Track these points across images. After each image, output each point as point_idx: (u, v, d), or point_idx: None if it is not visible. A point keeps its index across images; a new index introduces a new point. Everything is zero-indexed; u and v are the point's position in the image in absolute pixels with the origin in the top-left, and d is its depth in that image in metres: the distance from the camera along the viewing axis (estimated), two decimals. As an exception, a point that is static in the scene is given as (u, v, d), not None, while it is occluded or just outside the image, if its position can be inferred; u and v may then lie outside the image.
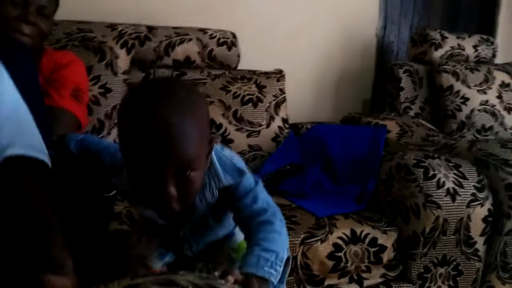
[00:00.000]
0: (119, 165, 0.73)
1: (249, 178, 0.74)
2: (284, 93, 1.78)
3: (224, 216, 0.80)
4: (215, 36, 1.71)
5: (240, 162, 0.75)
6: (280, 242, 0.71)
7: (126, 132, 0.62)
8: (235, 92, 1.66)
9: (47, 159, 0.73)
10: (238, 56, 1.78)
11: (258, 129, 1.66)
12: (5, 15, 1.09)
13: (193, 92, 0.68)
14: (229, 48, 1.73)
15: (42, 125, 0.86)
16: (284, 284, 0.79)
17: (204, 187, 0.72)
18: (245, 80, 1.72)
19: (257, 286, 0.64)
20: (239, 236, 0.86)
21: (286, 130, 1.74)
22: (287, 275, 0.79)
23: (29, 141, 0.72)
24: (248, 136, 1.63)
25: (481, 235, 1.26)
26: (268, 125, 1.69)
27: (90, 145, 0.87)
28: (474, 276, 1.29)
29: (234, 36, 1.76)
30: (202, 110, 0.67)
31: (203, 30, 1.70)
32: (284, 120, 1.74)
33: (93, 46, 1.43)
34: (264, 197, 0.75)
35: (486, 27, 2.63)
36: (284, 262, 0.70)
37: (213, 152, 0.72)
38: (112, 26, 1.52)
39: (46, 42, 1.26)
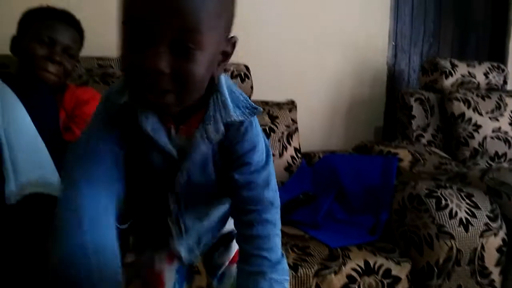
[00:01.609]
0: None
1: (259, 138, 0.67)
2: (296, 123, 1.82)
3: (223, 185, 0.71)
4: (229, 69, 1.76)
5: (254, 103, 0.66)
6: (280, 245, 0.69)
7: None
8: (249, 123, 1.70)
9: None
10: (252, 87, 1.82)
11: (271, 158, 1.69)
12: (32, 53, 1.16)
13: None
14: (243, 80, 1.78)
15: (59, 160, 0.90)
16: None
17: (207, 120, 0.63)
18: (258, 111, 1.76)
19: None
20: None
21: (299, 160, 1.76)
22: None
23: (44, 178, 0.75)
24: (262, 165, 1.66)
25: (496, 265, 1.25)
26: (281, 155, 1.72)
27: None
28: (491, 308, 1.27)
29: (247, 68, 1.82)
30: None
31: (218, 64, 1.75)
32: (297, 150, 1.77)
33: (113, 81, 1.49)
34: (274, 182, 0.70)
35: (497, 54, 2.66)
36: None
37: (224, 84, 0.64)
38: (131, 62, 1.59)
39: (69, 78, 1.33)
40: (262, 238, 0.67)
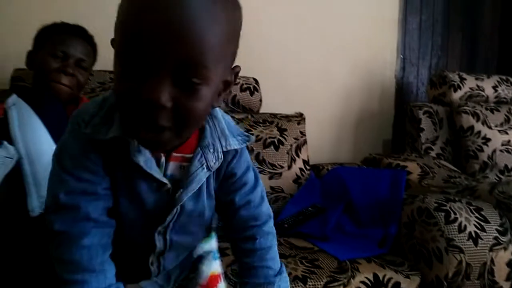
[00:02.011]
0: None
1: (249, 157, 0.69)
2: (305, 135, 1.83)
3: (212, 210, 0.70)
4: (238, 82, 1.79)
5: (244, 131, 0.68)
6: (277, 259, 0.71)
7: (125, 9, 0.48)
8: (258, 135, 1.72)
9: None
10: (260, 100, 1.84)
11: (279, 171, 1.70)
12: (47, 67, 1.19)
13: None
14: (252, 93, 1.81)
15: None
16: None
17: (206, 148, 0.61)
18: (267, 124, 1.77)
19: None
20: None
21: (307, 172, 1.77)
22: None
23: None
24: (270, 178, 1.67)
25: (506, 280, 1.24)
26: (289, 167, 1.73)
27: None
28: (501, 323, 1.26)
29: (257, 81, 1.84)
30: (236, 11, 0.53)
31: (227, 77, 1.77)
32: (305, 162, 1.78)
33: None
34: (265, 194, 0.73)
35: (506, 67, 2.66)
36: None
37: (219, 111, 0.64)
38: (142, 75, 1.62)
39: (81, 91, 1.36)
40: (265, 249, 0.69)
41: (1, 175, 0.77)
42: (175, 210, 0.63)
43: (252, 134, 0.69)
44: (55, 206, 0.59)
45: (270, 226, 0.71)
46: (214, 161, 0.62)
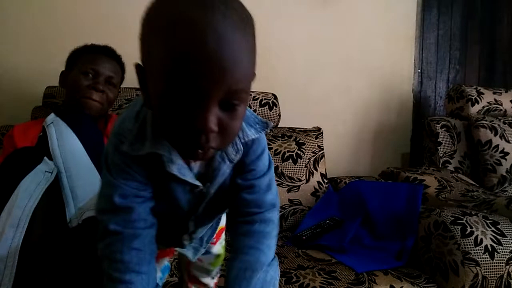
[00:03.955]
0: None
1: (264, 144, 0.70)
2: (323, 149, 1.87)
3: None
4: (258, 98, 1.85)
5: (261, 118, 0.70)
6: (273, 251, 0.71)
7: (169, 45, 0.49)
8: (276, 149, 1.77)
9: None
10: (279, 115, 1.90)
11: (297, 184, 1.74)
12: (78, 84, 1.27)
13: (246, 8, 0.54)
14: (271, 108, 1.86)
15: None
16: None
17: None
18: (285, 138, 1.82)
19: None
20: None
21: (325, 185, 1.81)
22: None
23: None
24: (288, 191, 1.72)
25: (524, 294, 1.25)
26: (307, 180, 1.77)
27: None
28: (519, 337, 1.27)
29: (275, 97, 1.90)
30: (254, 32, 0.55)
31: (247, 93, 1.83)
32: (323, 175, 1.82)
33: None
34: (275, 186, 0.73)
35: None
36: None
37: None
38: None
39: (111, 107, 1.43)
40: (263, 234, 0.69)
41: (43, 189, 0.83)
42: (204, 202, 0.70)
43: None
44: (111, 207, 0.64)
45: (273, 215, 0.71)
46: (234, 153, 0.66)
